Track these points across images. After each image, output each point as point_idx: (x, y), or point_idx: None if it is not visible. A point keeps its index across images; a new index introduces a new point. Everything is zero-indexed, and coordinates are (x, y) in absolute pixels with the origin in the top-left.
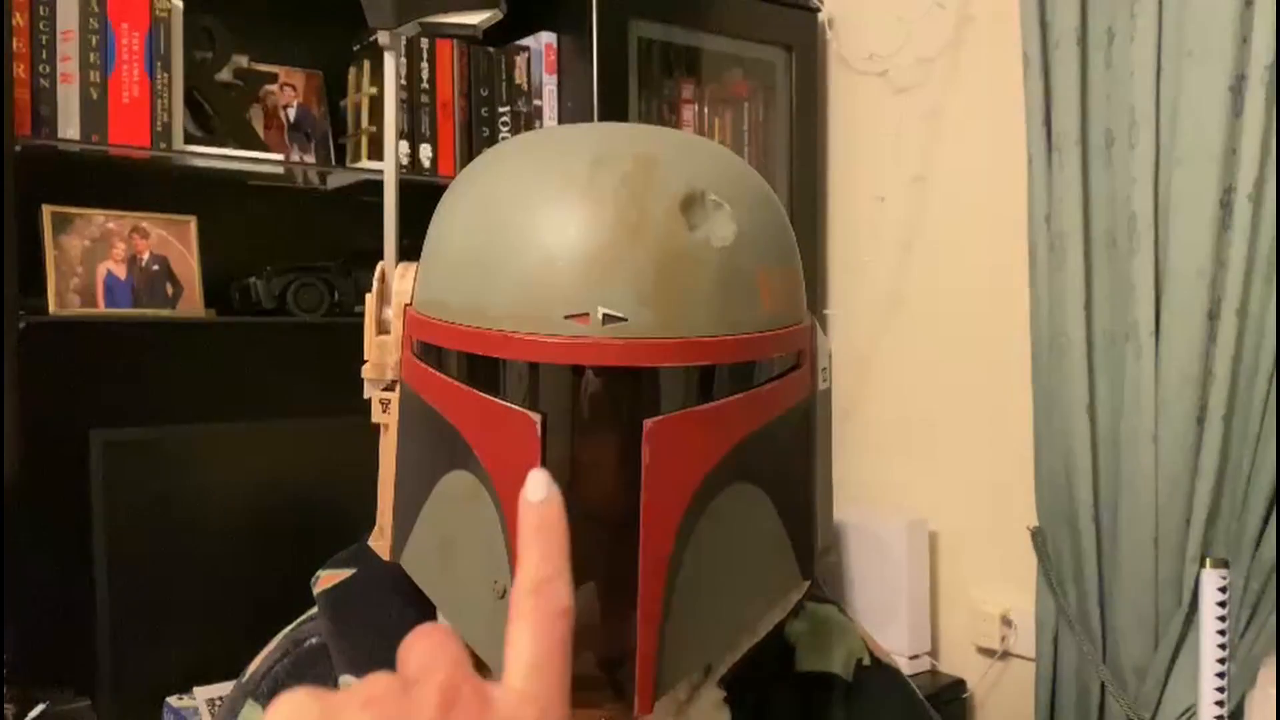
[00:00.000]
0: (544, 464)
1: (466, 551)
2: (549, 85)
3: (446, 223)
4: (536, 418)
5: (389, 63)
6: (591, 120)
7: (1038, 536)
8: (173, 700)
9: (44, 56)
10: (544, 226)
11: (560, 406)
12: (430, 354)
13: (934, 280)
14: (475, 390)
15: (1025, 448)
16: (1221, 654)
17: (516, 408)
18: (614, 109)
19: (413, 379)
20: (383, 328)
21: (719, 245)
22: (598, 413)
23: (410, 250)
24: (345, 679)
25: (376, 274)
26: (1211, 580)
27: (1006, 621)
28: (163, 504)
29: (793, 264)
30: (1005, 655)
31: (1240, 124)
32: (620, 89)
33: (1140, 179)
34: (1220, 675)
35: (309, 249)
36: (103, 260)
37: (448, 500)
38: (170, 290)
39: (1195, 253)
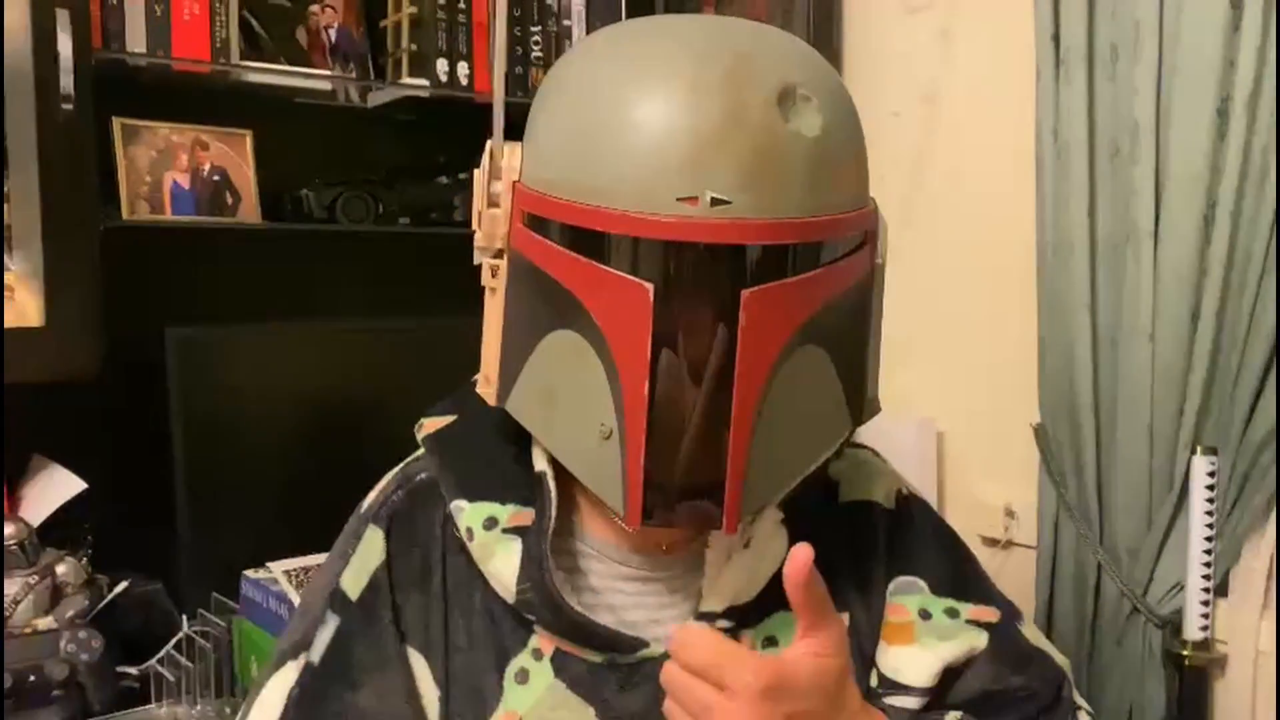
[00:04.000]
0: (654, 325)
1: (572, 398)
2: (577, 5)
3: (555, 103)
4: (649, 286)
5: None
6: None
7: (1040, 432)
8: (249, 573)
9: None
10: (654, 115)
11: (667, 275)
12: (543, 226)
13: (943, 193)
14: (590, 260)
15: (1027, 351)
16: (1209, 533)
17: (631, 277)
18: None
19: (524, 247)
20: (492, 200)
21: (810, 135)
22: (700, 282)
23: (447, 166)
24: (458, 503)
25: (485, 152)
26: (1201, 466)
27: (1009, 513)
28: (231, 397)
29: (863, 152)
30: (1008, 544)
31: (1238, 38)
32: (646, 10)
33: (1142, 90)
34: (1207, 553)
35: (352, 164)
36: (168, 170)
37: (553, 354)
38: (230, 200)
39: (1193, 159)
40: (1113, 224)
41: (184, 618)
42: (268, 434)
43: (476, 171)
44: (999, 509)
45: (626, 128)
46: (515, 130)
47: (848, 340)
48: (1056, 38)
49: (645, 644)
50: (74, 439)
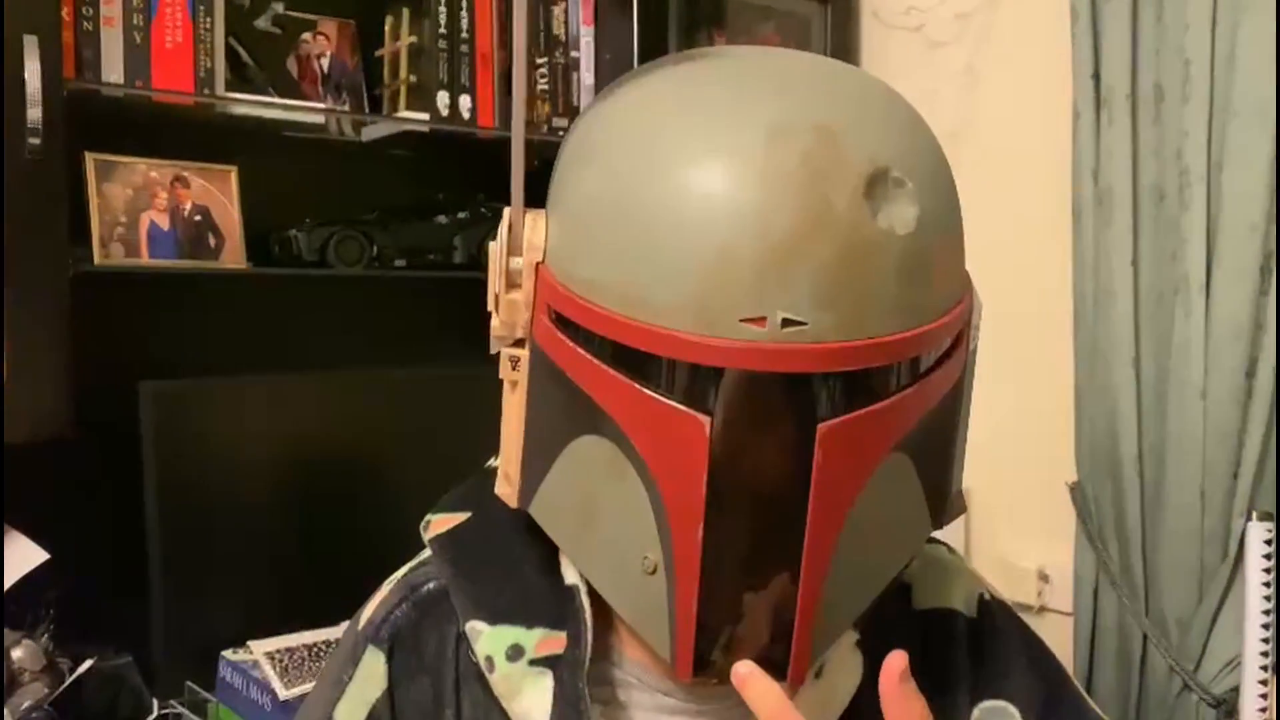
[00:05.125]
0: (710, 464)
1: (611, 519)
2: (586, 37)
3: (591, 174)
4: (705, 420)
5: None
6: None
7: (1077, 491)
8: (228, 654)
9: None
10: (718, 211)
11: (727, 408)
12: (570, 327)
13: (970, 236)
14: (632, 381)
15: (1059, 405)
16: (1267, 605)
17: (683, 408)
18: None
19: (551, 348)
20: (511, 280)
21: (903, 233)
22: (768, 414)
23: (447, 205)
24: (474, 625)
25: (504, 223)
26: (1257, 533)
27: (1043, 577)
28: (211, 457)
29: (961, 232)
30: (1042, 610)
31: None
32: (659, 42)
33: (1193, 132)
34: (1265, 627)
35: (344, 203)
36: (145, 210)
37: (586, 462)
38: (213, 241)
39: (1249, 206)
40: (1158, 274)
41: (154, 701)
42: (251, 498)
43: (491, 245)
44: (1031, 572)
45: (680, 224)
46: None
47: (937, 442)
48: (1097, 76)
49: None
50: (38, 504)
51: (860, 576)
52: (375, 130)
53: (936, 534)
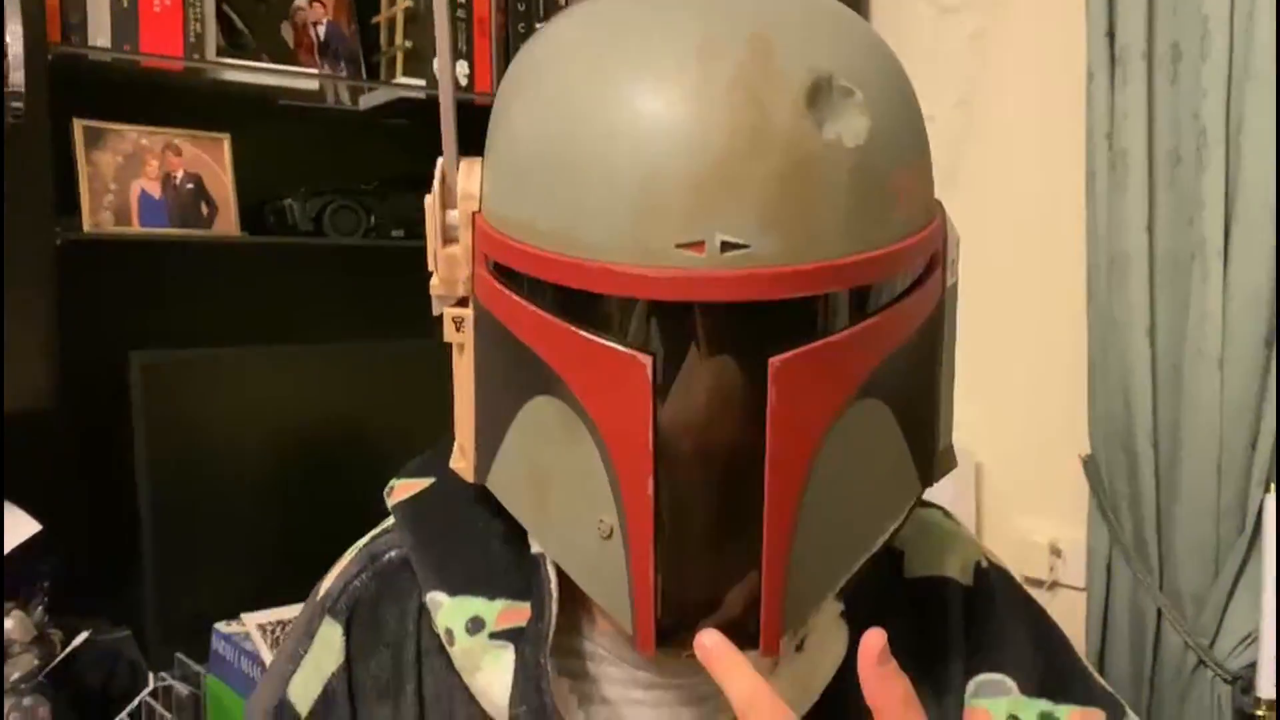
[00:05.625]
0: (655, 407)
1: (563, 484)
2: None
3: (518, 111)
4: (646, 360)
5: None
6: None
7: (1091, 464)
8: (221, 626)
9: None
10: (645, 132)
11: (671, 344)
12: (509, 275)
13: (981, 204)
14: (569, 324)
15: (1072, 377)
16: None
17: (622, 348)
18: None
19: (489, 300)
20: (448, 235)
21: (851, 145)
22: (715, 350)
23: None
24: (434, 596)
25: (436, 173)
26: (1275, 506)
27: (1055, 551)
28: (202, 428)
29: (926, 152)
30: (1054, 585)
31: None
32: None
33: (1212, 92)
34: None
35: (339, 172)
36: (136, 178)
37: (537, 427)
38: (205, 210)
39: (1269, 167)
40: (1175, 239)
41: (150, 674)
42: (243, 469)
43: (428, 198)
44: (1043, 547)
45: (609, 150)
46: None
47: (915, 387)
48: (1111, 35)
49: None
50: (29, 475)
51: (837, 536)
52: (372, 98)
53: (939, 502)
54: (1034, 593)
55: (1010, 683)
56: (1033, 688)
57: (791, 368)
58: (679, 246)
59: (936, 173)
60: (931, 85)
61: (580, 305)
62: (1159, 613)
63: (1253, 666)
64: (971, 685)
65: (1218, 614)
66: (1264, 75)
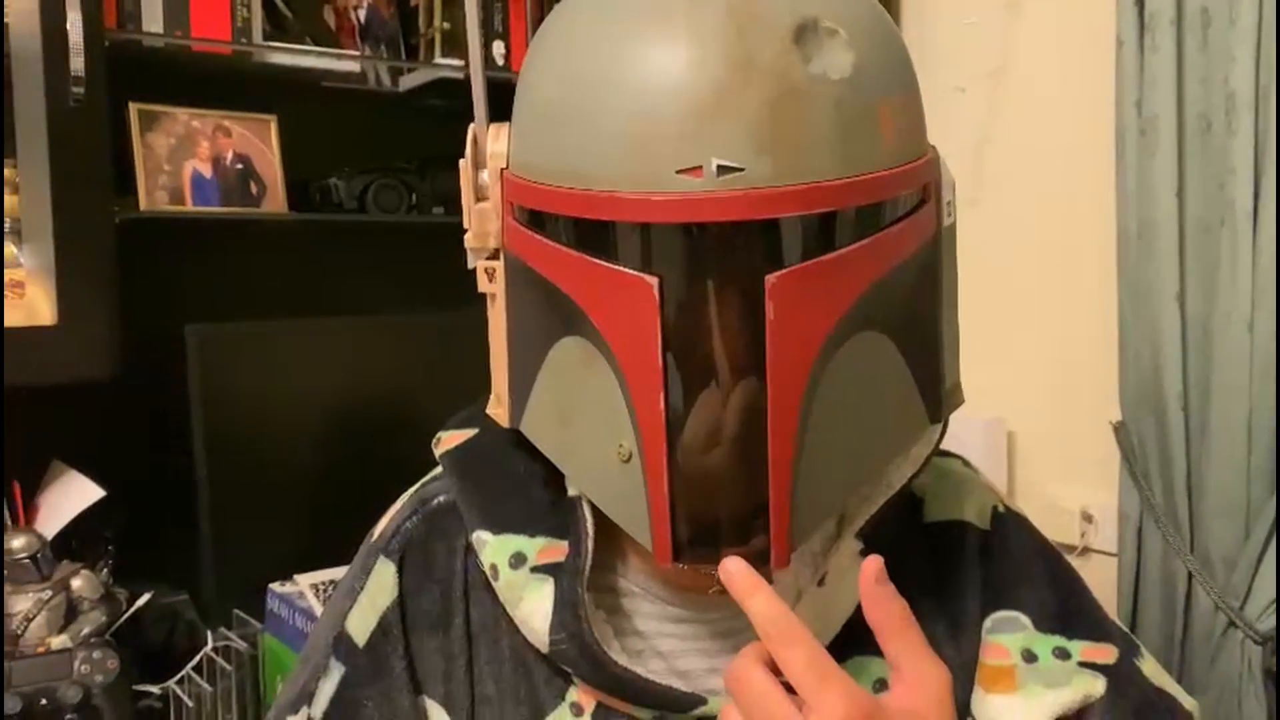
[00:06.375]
0: (663, 327)
1: (587, 416)
2: None
3: (535, 73)
4: (653, 281)
5: None
6: None
7: (1121, 430)
8: (275, 586)
9: None
10: (643, 71)
11: (676, 266)
12: (533, 218)
13: (1013, 172)
14: (585, 255)
15: (1103, 344)
16: None
17: (631, 271)
18: None
19: (516, 246)
20: (480, 194)
21: (837, 78)
22: (716, 269)
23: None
24: (480, 535)
25: (469, 137)
26: None
27: (1086, 517)
28: (255, 398)
29: (913, 91)
30: (1085, 551)
31: None
32: None
33: (1240, 57)
34: None
35: (382, 152)
36: (188, 159)
37: (563, 367)
38: (254, 189)
39: None
40: (1204, 204)
41: (208, 633)
42: (295, 437)
43: (462, 161)
44: (1075, 513)
45: (610, 90)
46: None
47: (915, 320)
48: (1140, 2)
49: (703, 700)
50: (91, 443)
51: (840, 452)
52: (412, 79)
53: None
54: (1066, 558)
55: (1025, 619)
56: (1046, 624)
57: (786, 284)
58: (679, 173)
59: (971, 141)
60: (963, 55)
61: (594, 236)
62: (1190, 575)
63: None
64: (988, 622)
65: (1248, 576)
66: None
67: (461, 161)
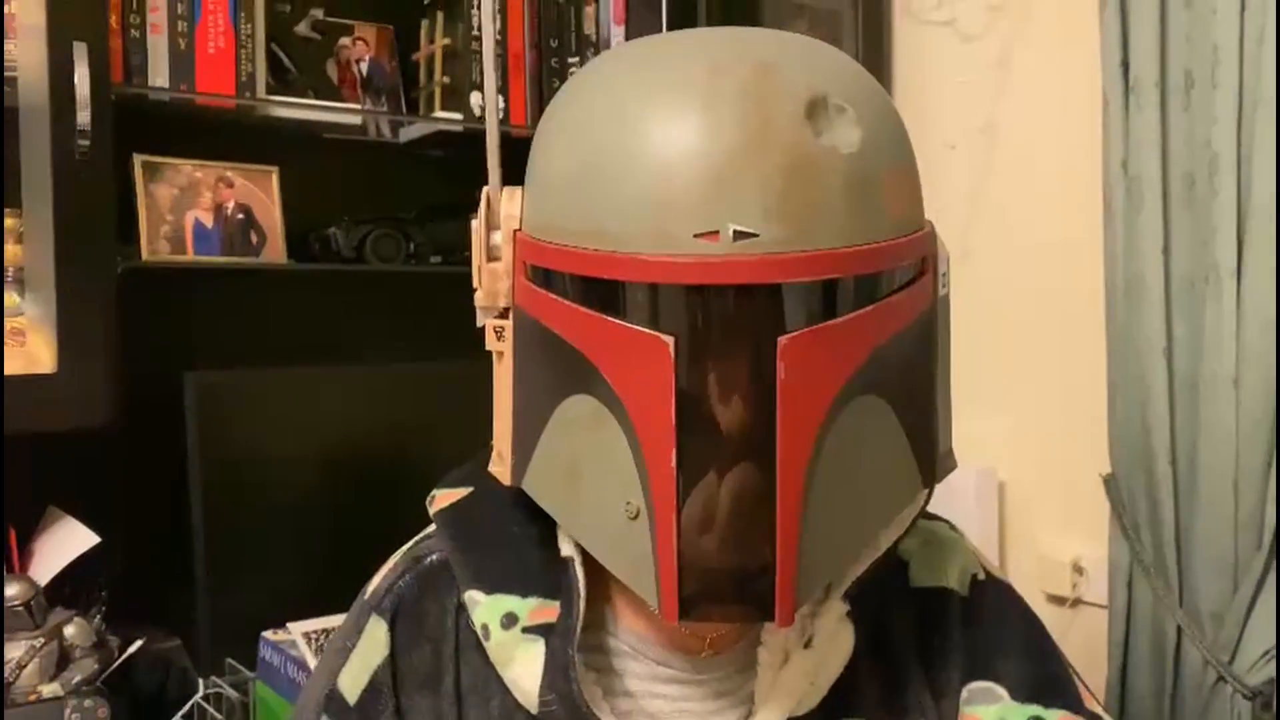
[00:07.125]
0: (677, 383)
1: (594, 473)
2: (617, 35)
3: (553, 138)
4: (669, 340)
5: None
6: None
7: (1111, 483)
8: (268, 634)
9: (134, 7)
10: (662, 139)
11: (690, 326)
12: (546, 278)
13: (1003, 229)
14: (600, 314)
15: (1093, 398)
16: None
17: (647, 330)
18: None
19: (529, 304)
20: (492, 254)
21: (846, 152)
22: (728, 331)
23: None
24: (472, 594)
25: (482, 199)
26: None
27: (1077, 569)
28: (253, 445)
29: (913, 168)
30: (1077, 603)
31: None
32: None
33: (1223, 119)
34: None
35: (382, 201)
36: (190, 209)
37: (570, 424)
38: (254, 239)
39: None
40: (1190, 262)
41: (200, 681)
42: (292, 485)
43: (474, 222)
44: (1066, 565)
45: (631, 156)
46: None
47: (913, 387)
48: (1126, 64)
49: None
50: (89, 490)
51: (846, 518)
52: (412, 131)
53: (965, 522)
54: (1057, 610)
55: (1001, 690)
56: (1023, 694)
57: (798, 345)
58: (696, 236)
59: (961, 196)
60: (955, 112)
61: (609, 295)
62: (1179, 629)
63: (1272, 682)
64: (965, 692)
65: (1236, 630)
66: (1273, 102)
67: (473, 221)
